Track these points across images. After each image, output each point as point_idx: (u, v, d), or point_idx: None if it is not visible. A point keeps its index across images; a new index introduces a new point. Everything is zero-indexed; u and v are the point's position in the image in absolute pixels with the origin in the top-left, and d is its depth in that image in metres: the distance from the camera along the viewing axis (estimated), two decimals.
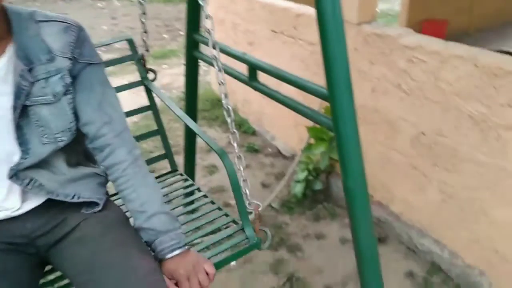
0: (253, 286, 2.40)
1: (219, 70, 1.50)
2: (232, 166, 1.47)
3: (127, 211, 1.35)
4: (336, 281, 2.42)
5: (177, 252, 1.22)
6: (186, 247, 1.25)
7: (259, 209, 1.54)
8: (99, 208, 1.31)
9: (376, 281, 1.51)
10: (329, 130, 1.46)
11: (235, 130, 1.53)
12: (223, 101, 1.52)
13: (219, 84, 1.51)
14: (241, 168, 1.53)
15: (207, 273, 1.23)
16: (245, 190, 1.52)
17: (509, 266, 2.17)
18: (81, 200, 1.28)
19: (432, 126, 2.38)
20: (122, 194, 1.26)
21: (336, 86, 1.35)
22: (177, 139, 3.46)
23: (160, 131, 2.09)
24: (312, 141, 3.09)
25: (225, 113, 1.52)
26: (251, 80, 1.83)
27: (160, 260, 1.23)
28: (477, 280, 2.33)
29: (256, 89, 1.83)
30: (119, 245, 1.21)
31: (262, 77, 1.84)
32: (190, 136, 2.62)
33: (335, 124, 1.41)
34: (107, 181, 1.39)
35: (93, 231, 1.25)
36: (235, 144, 1.53)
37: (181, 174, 2.07)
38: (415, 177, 2.57)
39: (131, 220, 1.34)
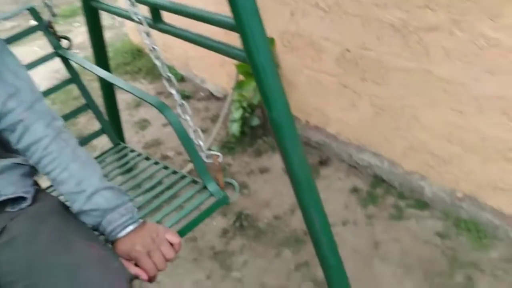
0: (204, 232, 2.37)
1: (132, 5, 1.29)
2: (176, 118, 1.30)
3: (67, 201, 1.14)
4: (284, 211, 2.43)
5: (131, 228, 1.06)
6: (141, 220, 1.09)
7: (219, 159, 1.40)
8: (28, 202, 1.09)
9: (316, 208, 1.48)
10: (244, 62, 1.35)
11: (169, 74, 1.31)
12: (146, 41, 1.29)
13: (138, 24, 1.30)
14: (188, 118, 1.33)
15: (172, 244, 1.08)
16: (198, 142, 1.33)
17: (445, 166, 2.24)
18: (3, 198, 1.06)
19: (355, 40, 2.33)
20: (51, 176, 1.07)
21: (242, 13, 1.23)
22: (100, 100, 3.24)
23: (91, 105, 1.83)
24: (241, 77, 2.99)
25: (152, 56, 1.32)
26: (156, 21, 1.67)
27: (113, 242, 1.07)
28: (418, 185, 2.40)
29: (162, 31, 1.67)
30: (59, 239, 1.01)
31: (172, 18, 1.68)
32: (109, 95, 2.44)
33: (248, 55, 1.30)
34: (34, 170, 1.17)
35: (23, 230, 1.03)
36: (173, 91, 1.32)
37: (125, 147, 1.86)
38: (346, 95, 2.55)
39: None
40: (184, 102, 1.36)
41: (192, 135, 1.35)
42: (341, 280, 1.57)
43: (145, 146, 3.11)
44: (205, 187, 1.39)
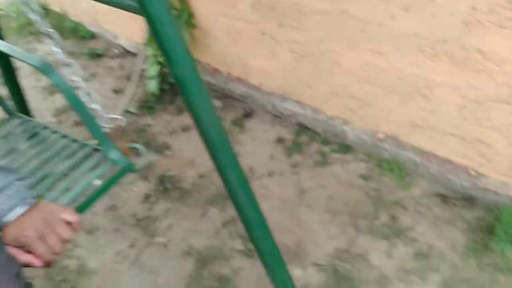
0: (124, 199, 2.23)
1: None
2: (62, 81, 1.16)
3: None
4: (209, 168, 2.33)
5: (21, 210, 0.93)
6: (33, 200, 0.96)
7: (118, 123, 1.26)
8: None
9: (233, 167, 1.39)
10: (138, 14, 1.19)
11: (49, 30, 1.14)
12: None
13: None
14: (78, 79, 1.19)
15: (70, 223, 0.96)
16: (92, 106, 1.21)
17: (366, 108, 2.22)
18: None
19: None
20: None
21: None
22: None
23: None
24: None
25: (25, 10, 1.15)
26: None
27: (0, 229, 0.92)
28: (341, 129, 2.38)
29: None
30: None
31: None
32: (2, 61, 2.17)
33: (140, 5, 1.15)
34: None
35: None
36: (56, 49, 1.15)
37: (21, 117, 1.68)
38: (265, 43, 2.44)
39: None
40: (72, 61, 1.20)
41: (86, 99, 1.20)
42: (264, 236, 1.51)
43: (56, 112, 2.86)
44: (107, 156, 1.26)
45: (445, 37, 1.78)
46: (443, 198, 2.07)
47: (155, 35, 1.23)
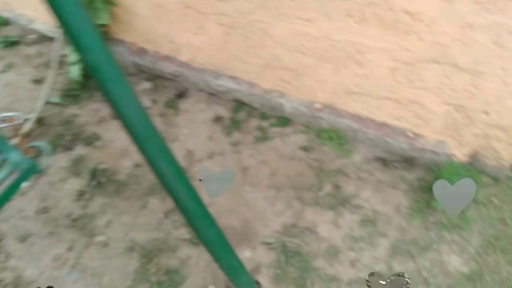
0: (57, 200, 2.06)
1: None
2: None
3: None
4: None
5: None
6: None
7: (15, 121, 1.13)
8: None
9: (164, 156, 1.29)
10: None
11: None
12: None
13: None
14: None
15: None
16: None
17: (301, 79, 2.17)
18: None
19: None
20: None
21: None
22: None
23: None
24: None
25: None
26: None
27: None
28: (278, 102, 2.32)
29: None
30: None
31: None
32: None
33: None
34: None
35: None
36: None
37: None
38: (192, 17, 2.30)
39: None
40: None
41: None
42: (207, 226, 1.44)
43: None
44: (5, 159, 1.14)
45: (372, 0, 1.73)
46: (384, 162, 2.08)
47: (57, 15, 1.09)
